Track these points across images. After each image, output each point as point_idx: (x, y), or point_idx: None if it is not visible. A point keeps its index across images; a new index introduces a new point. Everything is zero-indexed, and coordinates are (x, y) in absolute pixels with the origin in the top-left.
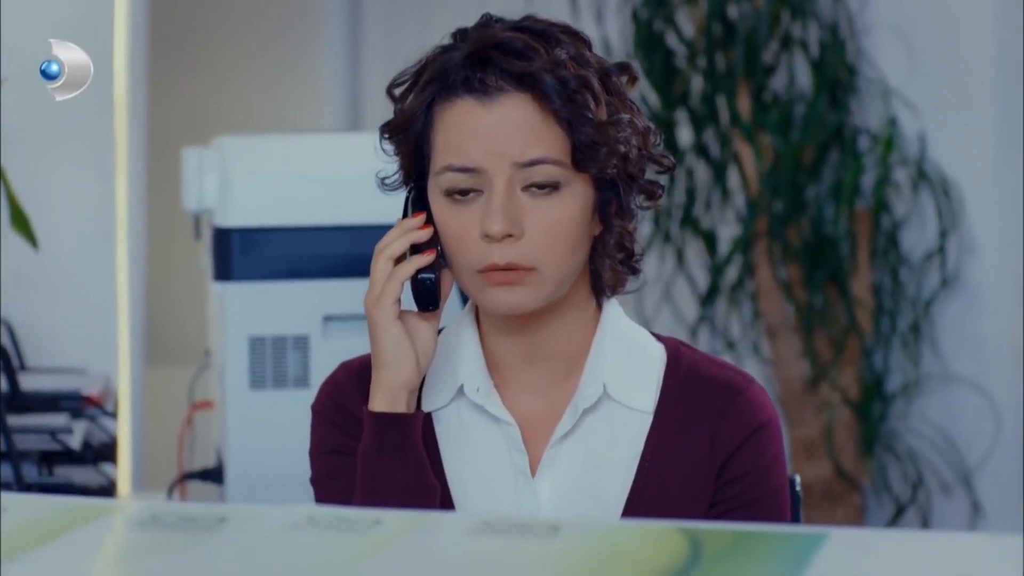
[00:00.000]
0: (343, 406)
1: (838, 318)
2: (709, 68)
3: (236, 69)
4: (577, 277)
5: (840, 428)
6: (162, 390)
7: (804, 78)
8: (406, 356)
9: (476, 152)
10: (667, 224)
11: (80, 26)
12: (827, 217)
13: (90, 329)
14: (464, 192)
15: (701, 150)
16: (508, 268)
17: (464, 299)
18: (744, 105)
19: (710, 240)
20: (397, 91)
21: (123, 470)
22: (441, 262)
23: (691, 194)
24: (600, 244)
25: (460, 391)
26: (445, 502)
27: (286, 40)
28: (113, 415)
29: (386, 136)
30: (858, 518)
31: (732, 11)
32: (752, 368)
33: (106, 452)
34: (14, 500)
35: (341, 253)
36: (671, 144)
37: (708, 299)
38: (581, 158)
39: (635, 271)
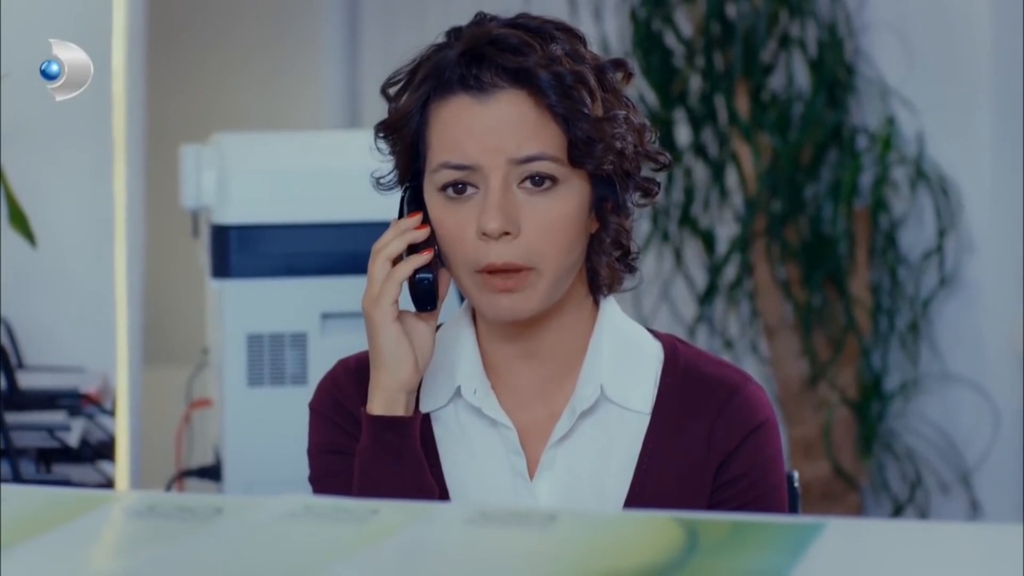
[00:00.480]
0: (341, 405)
1: (836, 317)
2: (707, 67)
3: (234, 67)
4: (574, 276)
5: (838, 427)
6: (160, 388)
7: (802, 77)
8: (405, 357)
9: (472, 149)
10: (665, 223)
11: (78, 24)
12: (825, 216)
13: (88, 327)
14: (460, 190)
15: (699, 149)
16: (506, 270)
17: (462, 297)
18: (742, 104)
19: (708, 239)
20: (392, 90)
21: (121, 468)
22: (438, 262)
23: (689, 193)
24: (597, 242)
25: (458, 392)
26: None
27: (284, 38)
28: (111, 413)
29: (381, 135)
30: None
31: (730, 10)
32: (750, 367)
33: (104, 450)
34: (12, 491)
35: (339, 250)
36: (669, 143)
37: (706, 298)
38: (577, 154)
39: (632, 269)
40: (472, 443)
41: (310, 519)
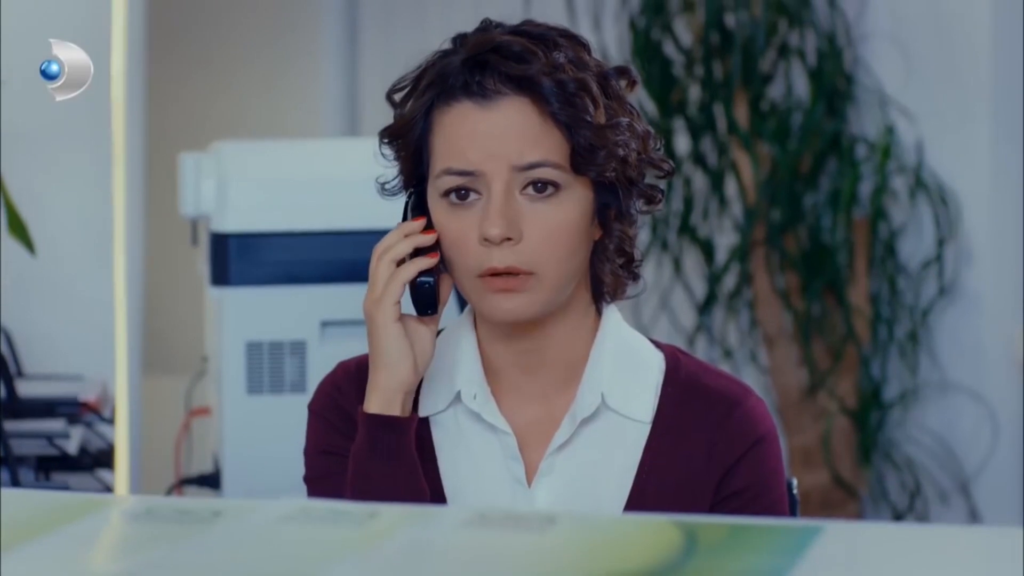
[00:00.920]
0: (340, 407)
1: (836, 326)
2: (706, 76)
3: (234, 74)
4: (577, 283)
5: (838, 436)
6: (160, 396)
7: (801, 87)
8: (405, 357)
9: (475, 155)
10: (665, 232)
11: (77, 32)
12: (824, 225)
13: (87, 335)
14: (463, 196)
15: (698, 159)
16: (508, 272)
17: (462, 304)
18: (741, 114)
19: (708, 248)
20: (397, 96)
21: (120, 476)
22: (440, 267)
23: (689, 202)
24: (600, 249)
25: (457, 397)
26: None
27: (283, 45)
28: (110, 421)
29: (385, 141)
30: None
31: (729, 20)
32: (750, 377)
33: (103, 458)
34: (11, 494)
35: (338, 258)
36: (668, 153)
37: (706, 308)
38: (580, 161)
39: (635, 276)
40: (471, 448)
41: (308, 522)
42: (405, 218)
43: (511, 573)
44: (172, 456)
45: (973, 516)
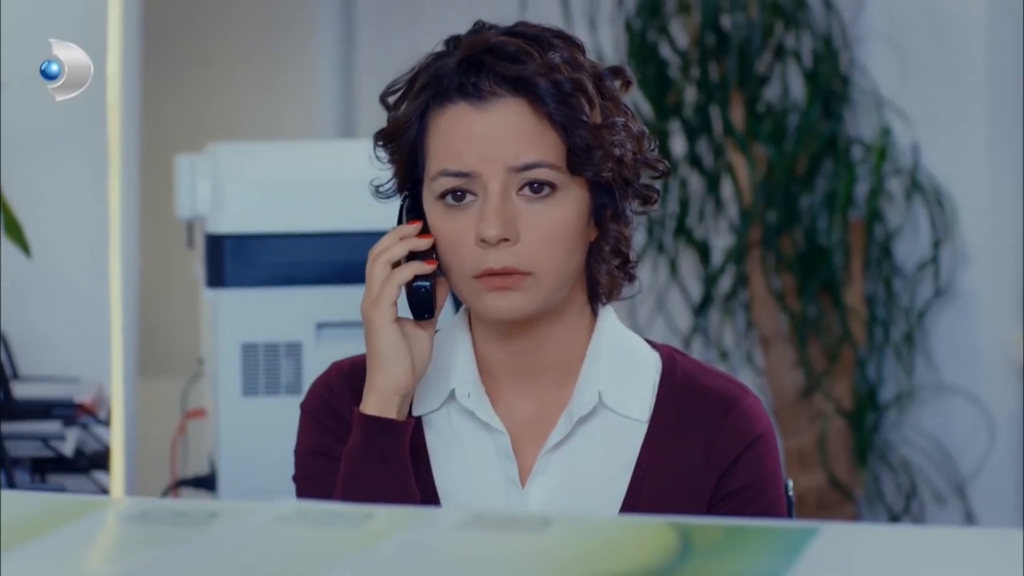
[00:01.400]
0: (333, 408)
1: (831, 328)
2: (702, 78)
3: (230, 76)
4: (573, 284)
5: (833, 438)
6: (155, 398)
7: (797, 88)
8: (402, 359)
9: (470, 156)
10: (660, 234)
11: (74, 35)
12: (820, 227)
13: (83, 337)
14: (459, 197)
15: (694, 160)
16: (504, 272)
17: (457, 307)
18: (737, 115)
19: (703, 250)
20: (391, 99)
21: (116, 477)
22: (437, 271)
23: (684, 204)
24: (596, 249)
25: (451, 396)
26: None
27: (279, 47)
28: (106, 423)
29: (380, 144)
30: None
31: (725, 21)
32: (746, 378)
33: (99, 460)
34: (8, 496)
35: (334, 260)
36: (664, 154)
37: (701, 309)
38: (576, 162)
39: (631, 277)
40: (464, 447)
41: (304, 524)
42: (400, 221)
43: (507, 575)
44: (168, 458)
45: (969, 518)
